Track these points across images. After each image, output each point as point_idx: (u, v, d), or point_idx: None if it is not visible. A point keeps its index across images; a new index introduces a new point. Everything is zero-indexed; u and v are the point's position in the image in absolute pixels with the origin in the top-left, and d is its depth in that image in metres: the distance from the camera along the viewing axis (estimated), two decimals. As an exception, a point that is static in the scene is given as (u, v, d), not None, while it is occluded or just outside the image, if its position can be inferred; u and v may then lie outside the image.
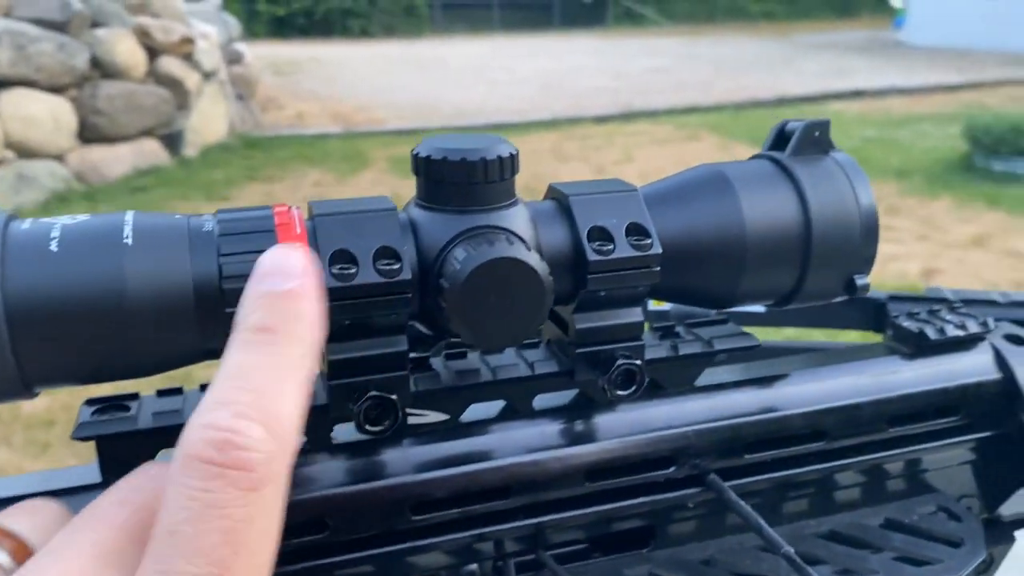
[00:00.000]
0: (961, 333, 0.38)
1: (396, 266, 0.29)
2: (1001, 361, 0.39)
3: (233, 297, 0.27)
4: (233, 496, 0.21)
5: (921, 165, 4.77)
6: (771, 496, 0.37)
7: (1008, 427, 0.39)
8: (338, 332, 0.29)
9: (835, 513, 0.38)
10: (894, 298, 0.49)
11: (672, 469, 0.34)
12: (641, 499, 0.34)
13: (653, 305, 0.55)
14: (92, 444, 0.30)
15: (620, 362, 0.31)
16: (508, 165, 0.30)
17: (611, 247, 0.31)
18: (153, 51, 4.28)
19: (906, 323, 0.39)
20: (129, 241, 0.27)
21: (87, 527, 0.24)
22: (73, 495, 0.29)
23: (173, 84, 4.36)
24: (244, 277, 0.27)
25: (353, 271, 0.28)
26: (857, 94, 7.00)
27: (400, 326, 0.30)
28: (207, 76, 4.73)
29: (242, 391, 0.23)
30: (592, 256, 0.30)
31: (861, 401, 0.36)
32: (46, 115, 3.81)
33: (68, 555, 0.23)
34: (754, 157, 0.35)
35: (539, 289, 0.29)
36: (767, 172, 0.34)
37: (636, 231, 0.31)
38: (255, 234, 0.28)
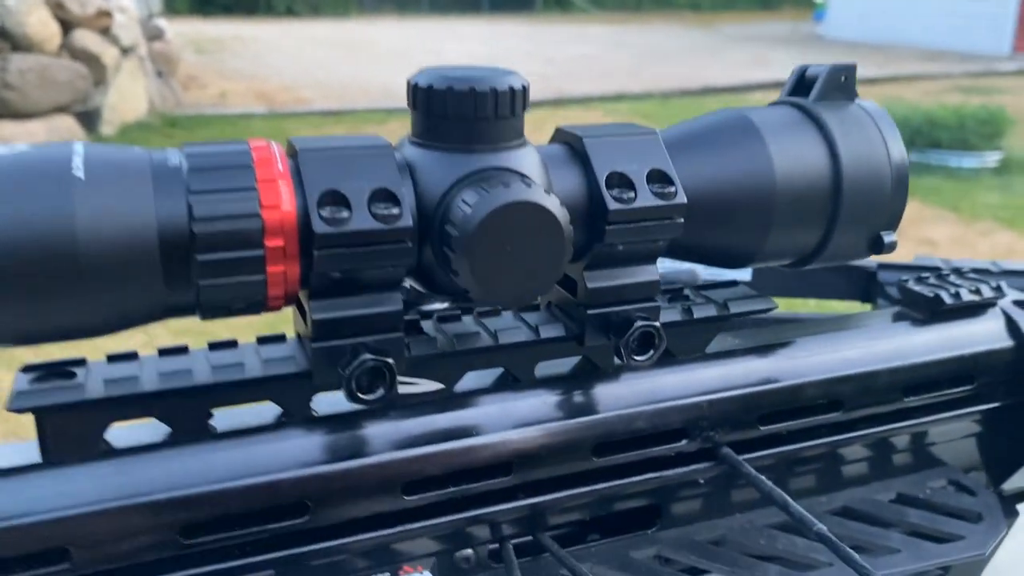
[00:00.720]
0: (976, 298, 0.36)
1: (395, 211, 0.25)
2: (1013, 327, 0.37)
3: (206, 241, 0.23)
4: None
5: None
6: (783, 470, 0.35)
7: (1019, 396, 0.37)
8: (325, 287, 0.25)
9: (845, 488, 0.36)
10: (884, 267, 0.47)
11: (684, 442, 0.31)
12: (650, 475, 0.31)
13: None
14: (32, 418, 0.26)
15: (638, 324, 0.28)
16: (520, 98, 0.26)
17: (632, 195, 0.27)
18: (68, 24, 4.08)
19: (917, 287, 0.37)
20: (80, 174, 0.23)
21: None
22: (8, 477, 0.25)
23: (89, 59, 4.17)
24: (218, 219, 0.23)
25: (346, 215, 0.24)
26: (779, 84, 7.11)
27: (396, 281, 0.26)
28: (125, 52, 4.54)
29: None
30: (612, 204, 0.27)
31: (878, 368, 0.34)
32: (-50, 88, 3.60)
33: None
34: (775, 103, 0.32)
35: (559, 238, 0.26)
36: (794, 119, 0.31)
37: (659, 178, 0.28)
38: (231, 170, 0.24)
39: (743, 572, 0.31)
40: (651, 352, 0.29)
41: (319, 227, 0.24)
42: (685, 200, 0.28)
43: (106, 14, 4.29)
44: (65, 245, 0.22)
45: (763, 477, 0.30)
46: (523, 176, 0.26)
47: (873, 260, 0.47)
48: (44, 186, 0.22)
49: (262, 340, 0.29)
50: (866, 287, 0.46)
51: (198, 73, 6.55)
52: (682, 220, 0.28)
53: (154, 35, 5.33)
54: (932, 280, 0.38)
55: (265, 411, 0.29)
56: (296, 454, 0.27)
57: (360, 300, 0.26)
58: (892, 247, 0.31)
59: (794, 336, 0.34)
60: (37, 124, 4.02)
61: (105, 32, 4.34)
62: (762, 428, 0.32)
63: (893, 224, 0.31)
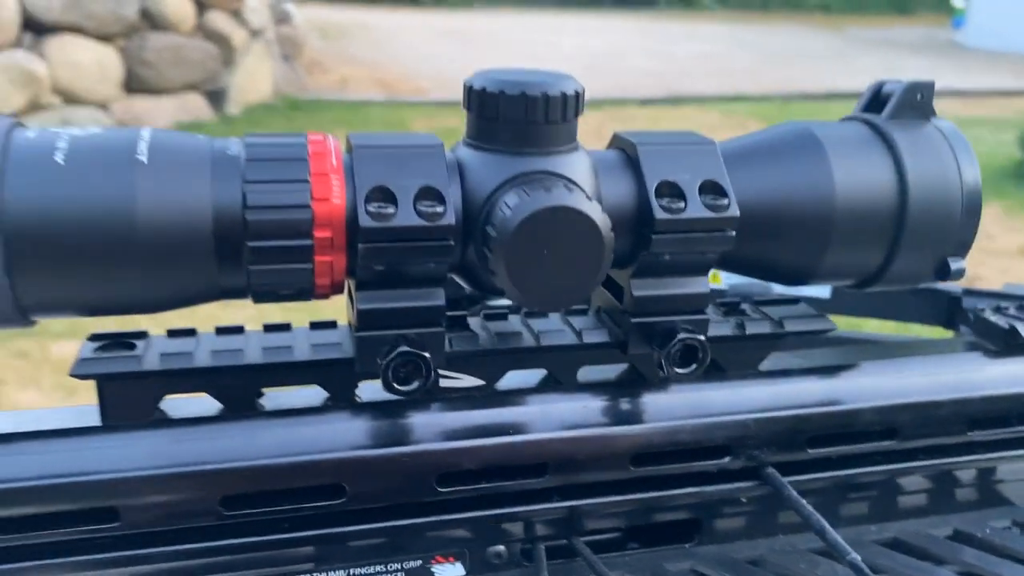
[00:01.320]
0: (1056, 332, 0.34)
1: (439, 209, 0.25)
2: None
3: (258, 230, 0.24)
4: None
5: (972, 170, 4.64)
6: (831, 495, 0.34)
7: None
8: (370, 279, 0.26)
9: (899, 519, 0.34)
10: (970, 292, 0.45)
11: (727, 459, 0.31)
12: (690, 489, 0.31)
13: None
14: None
15: (681, 335, 0.28)
16: (572, 104, 0.27)
17: (682, 205, 0.27)
18: (202, 5, 4.27)
19: (993, 318, 0.35)
20: (144, 159, 0.24)
21: None
22: (69, 437, 0.27)
23: (220, 40, 4.35)
24: (271, 208, 0.25)
25: (391, 211, 0.25)
26: (910, 93, 6.82)
27: (439, 277, 0.27)
28: (254, 34, 4.71)
29: None
30: (660, 214, 0.27)
31: (940, 399, 0.32)
32: (93, 63, 3.81)
33: None
34: (846, 118, 0.31)
35: (598, 245, 0.26)
36: (862, 136, 0.30)
37: (712, 189, 0.28)
38: (286, 162, 0.25)
39: None
40: (694, 366, 0.28)
41: (365, 221, 0.25)
42: (738, 213, 0.27)
43: (238, -3, 4.46)
44: (124, 224, 0.24)
45: (803, 501, 0.30)
46: (568, 180, 0.26)
47: (958, 285, 0.46)
48: (109, 167, 0.24)
49: (314, 325, 0.30)
50: (949, 313, 0.45)
51: (322, 58, 6.74)
52: (733, 233, 0.28)
53: (282, 19, 5.51)
54: (1012, 311, 0.36)
55: (312, 394, 0.30)
56: (337, 437, 0.28)
57: (403, 293, 0.27)
58: (960, 274, 0.30)
59: (852, 359, 0.33)
60: (169, 101, 4.22)
61: (236, 14, 4.52)
62: (811, 451, 0.31)
63: (962, 251, 0.30)
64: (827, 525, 0.29)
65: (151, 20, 4.06)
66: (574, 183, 0.26)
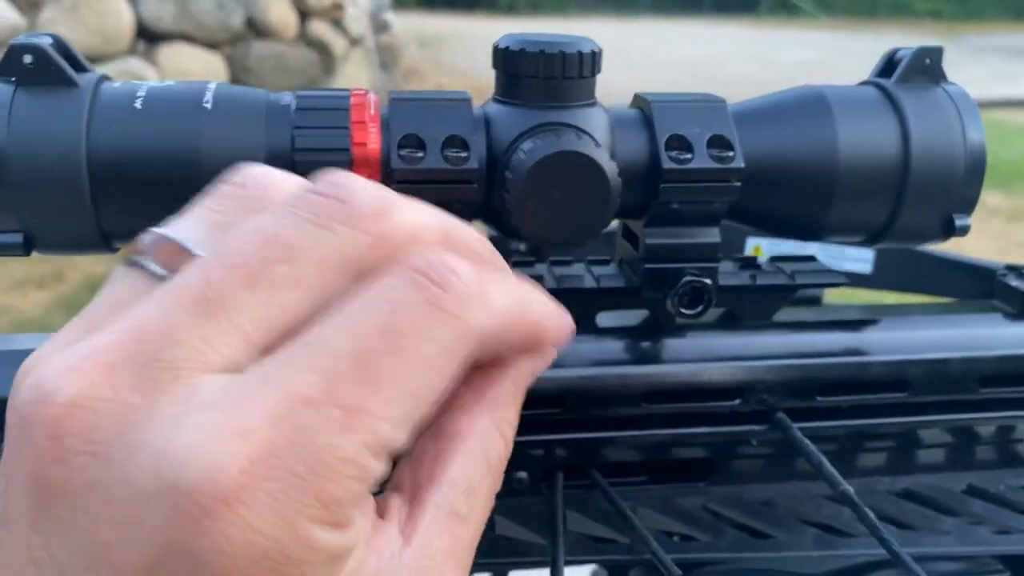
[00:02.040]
0: (1075, 296, 0.35)
1: (464, 154, 0.28)
2: None
3: (303, 169, 0.28)
4: (416, 304, 0.19)
5: (1088, 182, 4.43)
6: (845, 446, 0.35)
7: None
8: None
9: (914, 473, 0.36)
10: (1011, 268, 0.45)
11: (737, 402, 0.33)
12: (702, 429, 0.33)
13: (752, 253, 0.53)
14: None
15: (687, 278, 0.30)
16: (588, 62, 0.29)
17: (689, 156, 0.30)
18: (305, 14, 4.43)
19: (1014, 282, 0.36)
20: (209, 106, 0.28)
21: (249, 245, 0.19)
22: None
23: (321, 48, 4.50)
24: (315, 151, 0.28)
25: (420, 155, 0.28)
26: (1023, 103, 6.55)
27: (465, 219, 0.30)
28: (354, 42, 4.86)
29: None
30: (667, 164, 0.29)
31: (950, 356, 0.34)
32: (201, 70, 4.00)
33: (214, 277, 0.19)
34: (860, 83, 0.33)
35: (605, 188, 0.28)
36: (870, 97, 0.32)
37: (718, 143, 0.30)
38: (330, 111, 0.29)
39: (781, 530, 0.33)
40: (700, 307, 0.31)
41: (396, 164, 0.28)
42: (742, 165, 0.30)
43: (339, 6, 4.60)
44: (191, 162, 0.27)
45: (807, 441, 0.31)
46: (581, 131, 0.29)
47: (999, 260, 0.46)
48: (179, 113, 0.28)
49: None
50: (989, 287, 0.45)
51: (419, 66, 6.88)
52: (739, 184, 0.30)
53: (381, 27, 5.65)
54: (1034, 276, 0.37)
55: None
56: None
57: None
58: (965, 230, 0.32)
59: (867, 315, 0.35)
60: (272, 106, 4.39)
61: (337, 23, 4.67)
62: (820, 399, 0.33)
63: (967, 208, 0.31)
64: (824, 460, 0.30)
65: (255, 28, 4.23)
66: (586, 133, 0.29)
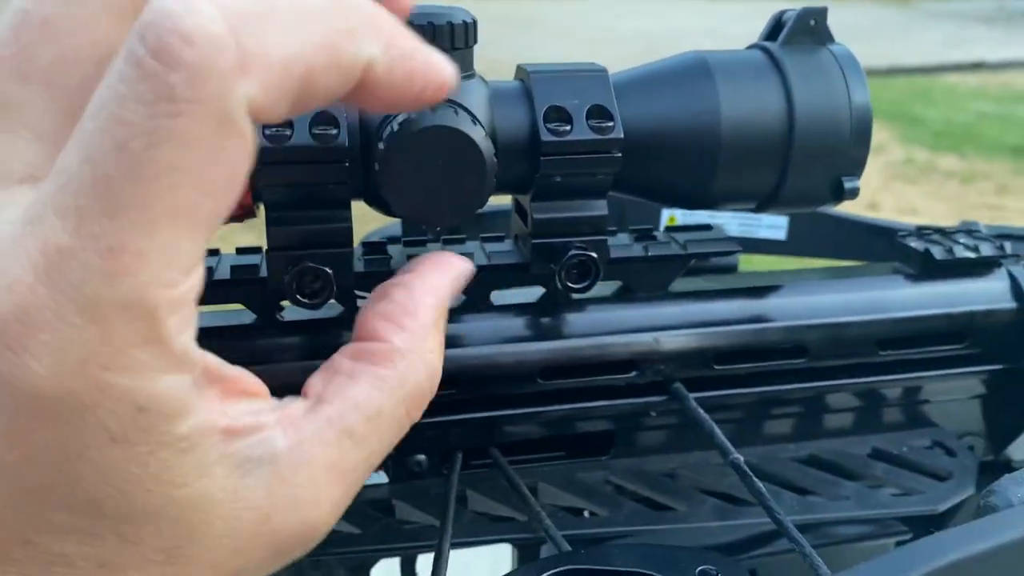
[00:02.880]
0: (971, 255, 0.35)
1: (333, 131, 0.28)
2: (1018, 290, 0.35)
3: None
4: (140, 99, 0.15)
5: (1040, 143, 4.49)
6: (748, 414, 0.35)
7: (1020, 361, 0.36)
8: (277, 201, 0.29)
9: (819, 439, 0.36)
10: (922, 229, 0.45)
11: (634, 374, 0.32)
12: (599, 403, 0.33)
13: (667, 225, 0.53)
14: None
15: (573, 252, 0.30)
16: (461, 33, 0.28)
17: (568, 128, 0.29)
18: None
19: (913, 243, 0.36)
20: None
21: None
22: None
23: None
24: None
25: (288, 133, 0.27)
26: (976, 66, 6.61)
27: (342, 200, 0.29)
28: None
29: None
30: (546, 136, 0.29)
31: (849, 320, 0.34)
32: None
33: None
34: (747, 47, 0.33)
35: (480, 163, 0.27)
36: (753, 61, 0.31)
37: (598, 114, 0.29)
38: None
39: (681, 502, 0.32)
40: (587, 282, 0.30)
41: (263, 143, 0.27)
42: (622, 135, 0.29)
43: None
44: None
45: (701, 410, 0.31)
46: (457, 106, 0.28)
47: (911, 223, 0.46)
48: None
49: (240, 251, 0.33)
50: (900, 249, 0.45)
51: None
52: (619, 155, 0.29)
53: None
54: (934, 236, 0.37)
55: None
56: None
57: (309, 216, 0.29)
58: (854, 193, 0.31)
59: (765, 282, 0.34)
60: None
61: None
62: (717, 368, 0.33)
63: (855, 170, 0.31)
64: (717, 429, 0.30)
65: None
66: (462, 107, 0.28)
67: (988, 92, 5.73)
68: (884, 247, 0.47)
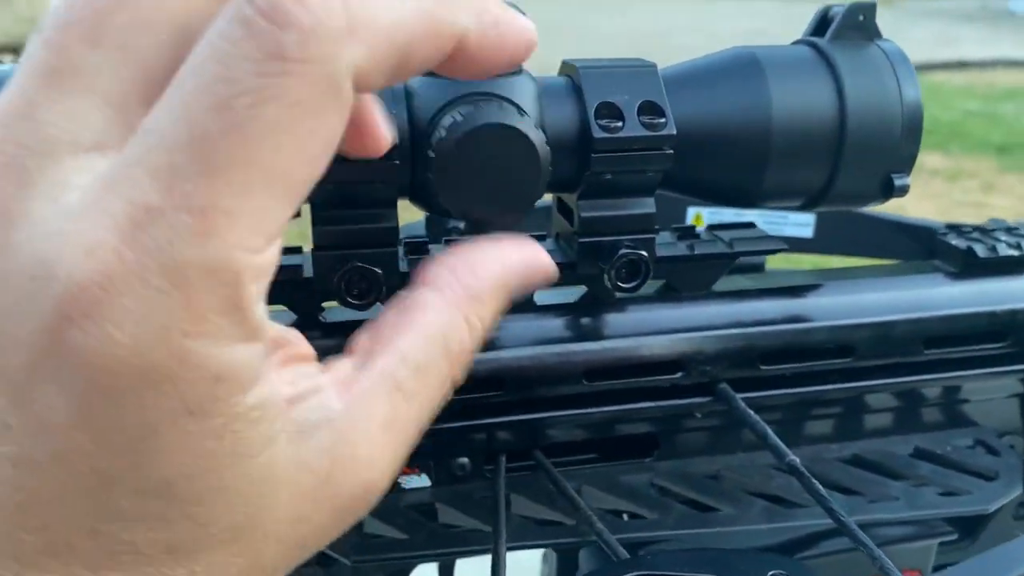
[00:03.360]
0: (1015, 253, 0.35)
1: None
2: None
3: None
4: (247, 56, 0.15)
5: (1025, 141, 4.53)
6: (792, 414, 0.35)
7: None
8: (323, 199, 0.28)
9: (862, 439, 0.35)
10: (951, 226, 0.45)
11: (679, 375, 0.32)
12: (644, 404, 0.32)
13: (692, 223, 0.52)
14: None
15: (623, 251, 0.29)
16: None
17: (620, 125, 0.28)
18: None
19: (954, 241, 0.36)
20: None
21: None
22: None
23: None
24: None
25: None
26: (962, 65, 6.66)
27: (390, 200, 0.28)
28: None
29: None
30: (598, 133, 0.28)
31: (895, 319, 0.33)
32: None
33: None
34: (794, 43, 0.32)
35: (535, 160, 0.27)
36: (803, 57, 0.31)
37: (650, 110, 0.29)
38: None
39: (730, 504, 0.32)
40: (637, 281, 0.30)
41: None
42: (674, 132, 0.28)
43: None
44: None
45: (751, 411, 0.31)
46: (506, 101, 0.28)
47: (940, 221, 0.46)
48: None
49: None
50: (930, 247, 0.45)
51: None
52: (671, 152, 0.29)
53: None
54: (974, 234, 0.37)
55: None
56: None
57: (357, 215, 0.28)
58: (904, 190, 0.31)
59: (809, 280, 0.34)
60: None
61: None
62: (764, 368, 0.32)
63: (906, 167, 0.31)
64: (770, 431, 0.30)
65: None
66: (512, 102, 0.28)
67: (974, 90, 5.77)
68: (911, 244, 0.47)
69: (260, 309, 0.17)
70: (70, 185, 0.16)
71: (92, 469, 0.16)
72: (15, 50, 3.42)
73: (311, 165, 0.16)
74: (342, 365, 0.20)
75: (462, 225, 0.32)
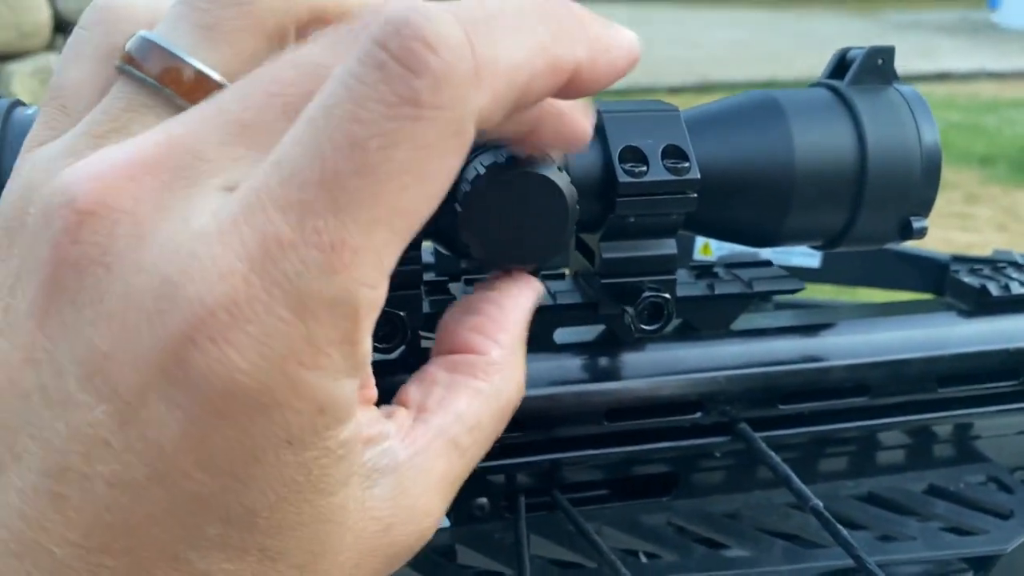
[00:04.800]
0: (1028, 291, 0.35)
1: None
2: None
3: None
4: (381, 100, 0.16)
5: (1007, 153, 4.57)
6: (807, 452, 0.35)
7: None
8: None
9: (876, 475, 0.36)
10: (958, 259, 0.45)
11: (699, 415, 0.32)
12: (664, 444, 0.32)
13: (699, 254, 0.53)
14: None
15: (647, 294, 0.29)
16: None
17: (644, 169, 0.28)
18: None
19: (967, 279, 0.36)
20: None
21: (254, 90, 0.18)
22: None
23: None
24: None
25: None
26: (943, 76, 6.73)
27: (414, 242, 0.28)
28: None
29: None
30: (623, 178, 0.28)
31: (910, 357, 0.33)
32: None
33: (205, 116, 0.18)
34: (812, 85, 0.33)
35: (562, 208, 0.27)
36: (823, 100, 0.31)
37: (673, 154, 0.29)
38: None
39: (749, 545, 0.32)
40: (660, 323, 0.30)
41: None
42: (698, 176, 0.29)
43: None
44: None
45: (772, 453, 0.31)
46: None
47: (947, 252, 0.46)
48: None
49: None
50: (938, 279, 0.45)
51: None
52: (695, 195, 0.29)
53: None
54: (986, 271, 0.37)
55: None
56: None
57: None
58: (922, 233, 0.31)
59: (825, 319, 0.34)
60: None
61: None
62: (782, 408, 0.33)
63: (924, 210, 0.31)
64: (792, 474, 0.30)
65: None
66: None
67: (955, 102, 5.82)
68: (917, 276, 0.48)
69: (368, 344, 0.17)
70: (203, 211, 0.16)
71: (189, 492, 0.16)
72: (0, 58, 3.40)
73: (430, 204, 0.17)
74: (402, 415, 0.20)
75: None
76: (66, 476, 0.16)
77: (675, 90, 6.05)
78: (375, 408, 0.20)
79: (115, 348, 0.16)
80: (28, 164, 0.19)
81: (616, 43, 0.20)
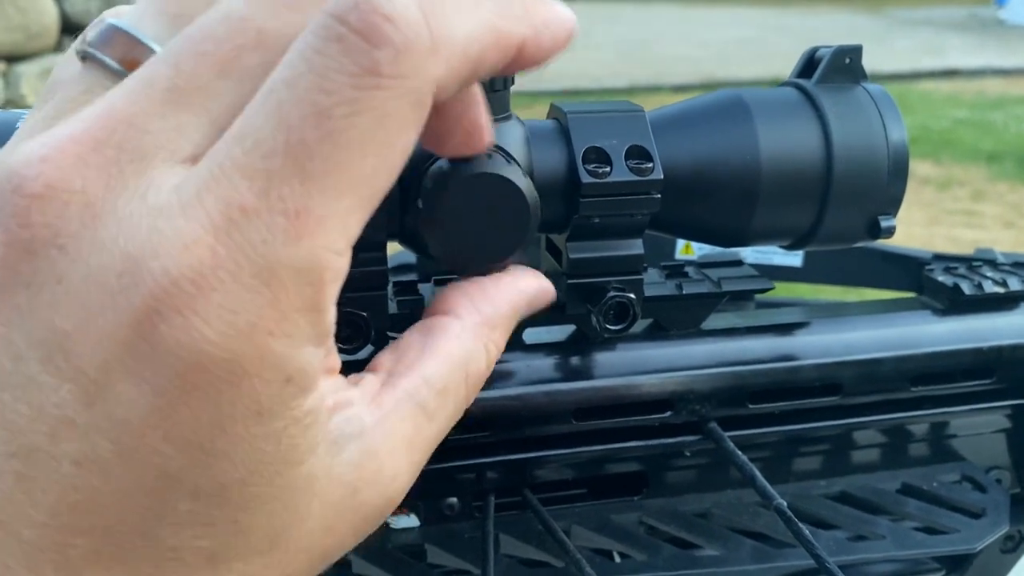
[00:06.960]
0: (1001, 290, 0.35)
1: None
2: None
3: None
4: (343, 70, 0.16)
5: (1014, 149, 4.55)
6: (779, 451, 0.35)
7: None
8: None
9: (848, 475, 0.35)
10: (939, 257, 0.45)
11: (668, 414, 0.32)
12: (633, 443, 0.32)
13: (681, 254, 0.53)
14: None
15: (612, 294, 0.29)
16: (500, 76, 0.28)
17: (608, 170, 0.29)
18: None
19: (941, 277, 0.36)
20: None
21: (199, 42, 0.18)
22: None
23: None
24: None
25: None
26: (950, 73, 6.70)
27: (378, 243, 0.28)
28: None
29: None
30: (586, 178, 0.28)
31: (882, 356, 0.33)
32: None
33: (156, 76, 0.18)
34: (781, 84, 0.33)
35: (523, 210, 0.27)
36: (790, 99, 0.31)
37: (637, 154, 0.29)
38: None
39: (719, 544, 0.32)
40: (625, 323, 0.30)
41: None
42: (661, 176, 0.29)
43: None
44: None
45: (739, 452, 0.31)
46: (497, 148, 0.28)
47: (928, 251, 0.46)
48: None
49: None
50: (918, 277, 0.45)
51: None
52: (659, 196, 0.29)
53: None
54: (961, 270, 0.37)
55: None
56: None
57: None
58: (890, 231, 0.31)
59: (796, 318, 0.34)
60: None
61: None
62: (752, 407, 0.33)
63: (892, 208, 0.31)
64: (758, 473, 0.30)
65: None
66: (503, 150, 0.28)
67: (963, 99, 5.80)
68: (899, 274, 0.47)
69: (333, 312, 0.18)
70: (161, 187, 0.17)
71: (157, 468, 0.16)
72: (8, 59, 3.41)
73: (390, 174, 0.18)
74: (369, 381, 0.20)
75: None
76: (32, 457, 0.16)
77: (680, 88, 6.05)
78: (340, 376, 0.20)
79: (77, 327, 0.16)
80: None
81: (556, 19, 0.21)
